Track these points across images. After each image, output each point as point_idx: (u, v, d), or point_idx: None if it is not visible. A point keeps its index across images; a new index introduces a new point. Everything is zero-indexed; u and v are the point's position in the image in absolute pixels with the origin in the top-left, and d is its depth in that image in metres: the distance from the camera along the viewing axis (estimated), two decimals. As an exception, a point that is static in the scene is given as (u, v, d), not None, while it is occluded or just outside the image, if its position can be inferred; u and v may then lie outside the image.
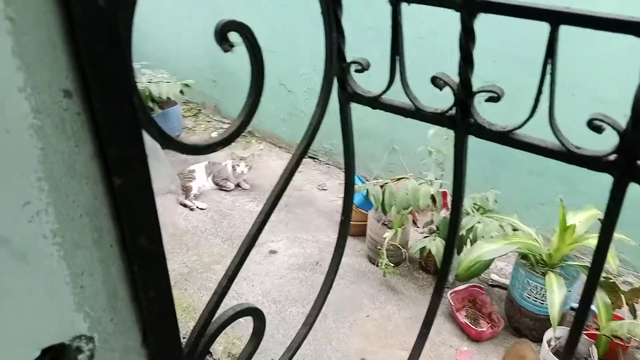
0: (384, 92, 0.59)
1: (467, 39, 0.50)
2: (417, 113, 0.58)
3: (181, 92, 3.93)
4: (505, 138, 0.54)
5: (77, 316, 0.43)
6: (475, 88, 0.54)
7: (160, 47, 4.55)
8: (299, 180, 3.73)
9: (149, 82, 3.87)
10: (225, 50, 0.47)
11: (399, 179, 2.59)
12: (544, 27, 0.46)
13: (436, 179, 2.51)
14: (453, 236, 0.66)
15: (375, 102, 0.60)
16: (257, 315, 0.64)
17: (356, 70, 0.60)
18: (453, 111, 0.56)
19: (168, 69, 4.19)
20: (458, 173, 0.60)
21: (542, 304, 2.38)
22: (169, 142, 0.45)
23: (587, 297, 0.56)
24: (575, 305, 2.62)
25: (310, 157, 4.01)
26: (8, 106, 0.34)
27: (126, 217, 0.43)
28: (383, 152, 3.42)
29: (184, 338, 0.57)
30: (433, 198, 2.52)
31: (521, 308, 2.46)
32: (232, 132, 0.50)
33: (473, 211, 2.45)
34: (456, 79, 0.55)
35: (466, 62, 0.51)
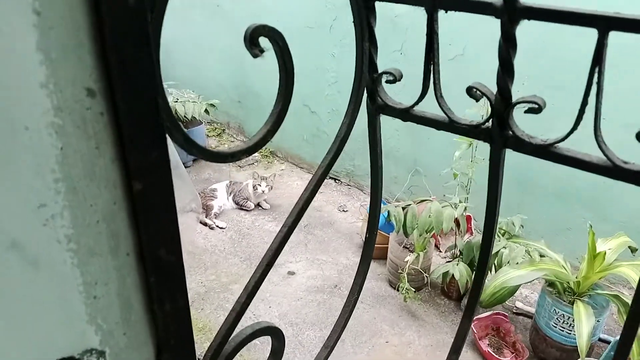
0: (417, 103, 0.56)
1: (508, 46, 0.48)
2: (451, 125, 0.55)
3: (206, 111, 3.97)
4: (546, 152, 0.51)
5: (88, 328, 0.40)
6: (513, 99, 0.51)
7: (187, 67, 4.62)
8: (319, 201, 3.70)
9: (175, 102, 3.92)
10: (255, 56, 0.46)
11: (421, 201, 2.54)
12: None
13: (460, 202, 2.45)
14: (486, 255, 0.62)
15: (406, 114, 0.58)
16: (276, 336, 0.61)
17: (387, 81, 0.57)
18: (489, 123, 0.53)
19: (194, 88, 4.25)
20: (493, 189, 0.56)
21: (570, 333, 2.28)
22: (192, 148, 0.43)
23: (631, 330, 0.52)
24: (604, 336, 2.51)
25: (331, 177, 3.99)
26: (28, 101, 0.33)
27: (145, 225, 0.41)
28: (406, 174, 3.38)
29: (199, 358, 0.54)
30: (457, 222, 2.47)
31: (547, 338, 2.37)
32: (257, 141, 0.48)
33: (498, 236, 2.39)
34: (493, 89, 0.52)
35: (505, 71, 0.49)
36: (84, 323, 0.40)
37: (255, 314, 2.61)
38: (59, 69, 0.33)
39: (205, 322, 2.56)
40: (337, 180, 3.97)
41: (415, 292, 2.66)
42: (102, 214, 0.38)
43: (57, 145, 0.34)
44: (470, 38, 2.75)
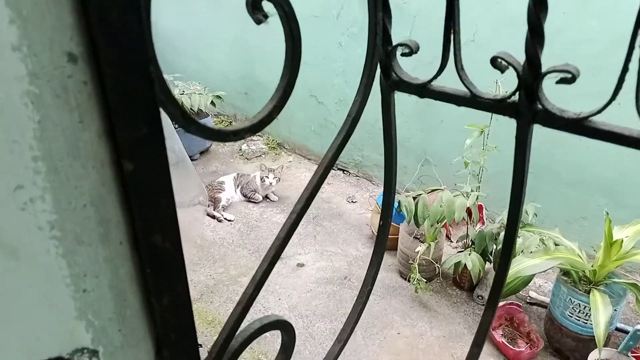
0: (436, 76, 0.51)
1: (537, 9, 0.43)
2: (473, 100, 0.50)
3: (212, 103, 3.93)
4: (580, 126, 0.46)
5: (78, 325, 0.36)
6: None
7: (192, 59, 4.58)
8: (327, 192, 3.66)
9: (181, 94, 3.88)
10: (258, 22, 0.41)
11: (432, 191, 2.49)
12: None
13: (472, 191, 2.40)
14: (511, 243, 0.57)
15: (424, 90, 0.53)
16: (286, 329, 0.57)
17: (403, 54, 0.53)
18: (516, 97, 0.48)
19: (200, 80, 4.21)
20: (519, 170, 0.52)
21: (586, 323, 2.23)
22: (190, 125, 0.38)
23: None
24: (622, 325, 2.45)
25: (339, 169, 3.94)
26: (-3, 67, 0.29)
27: (139, 210, 0.37)
28: (415, 164, 3.33)
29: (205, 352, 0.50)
30: (469, 211, 2.42)
31: (562, 327, 2.32)
32: (263, 118, 0.44)
33: (511, 225, 2.33)
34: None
35: (535, 37, 0.44)
36: (73, 319, 0.36)
37: (265, 306, 2.58)
38: (33, 29, 0.29)
39: (215, 314, 2.53)
40: (345, 172, 3.93)
41: (426, 282, 2.62)
42: (89, 197, 0.34)
43: (34, 117, 0.30)
44: (481, 24, 2.68)
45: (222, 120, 4.69)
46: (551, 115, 0.47)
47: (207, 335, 2.39)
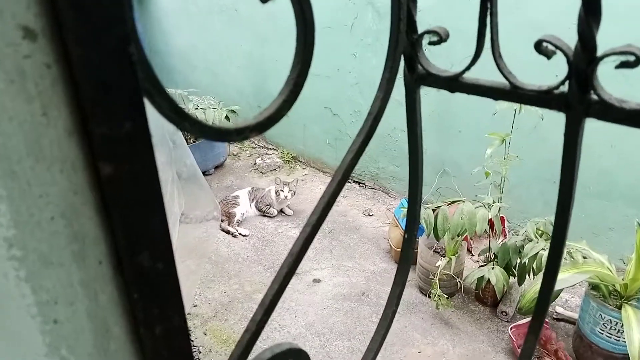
0: (469, 67, 0.45)
1: (593, -21, 0.36)
2: (513, 93, 0.43)
3: (227, 118, 3.90)
4: (645, 120, 0.39)
5: (48, 364, 0.30)
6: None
7: (206, 73, 4.58)
8: (343, 206, 3.59)
9: (196, 109, 3.86)
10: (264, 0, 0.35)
11: (452, 202, 2.41)
12: None
13: (494, 202, 2.31)
14: (559, 255, 0.50)
15: (455, 84, 0.46)
16: (301, 359, 0.50)
17: (431, 43, 0.46)
18: (565, 86, 0.41)
19: (214, 95, 4.19)
20: (568, 170, 0.45)
21: (618, 340, 2.11)
22: (183, 120, 0.32)
23: None
24: (656, 344, 2.32)
25: (355, 181, 3.87)
26: None
27: (121, 223, 0.30)
28: (433, 175, 3.25)
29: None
30: (491, 223, 2.32)
31: (592, 345, 2.20)
32: (271, 115, 0.37)
33: (536, 237, 2.23)
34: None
35: (590, 14, 0.37)
36: (42, 358, 0.30)
37: (281, 324, 2.51)
38: (-23, -3, 0.23)
39: (230, 333, 2.46)
40: (361, 184, 3.85)
41: (447, 298, 2.52)
42: (57, 207, 0.28)
43: (-19, 108, 0.24)
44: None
45: (236, 135, 4.65)
46: (608, 106, 0.40)
47: (221, 354, 2.32)
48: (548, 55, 0.42)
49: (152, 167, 0.31)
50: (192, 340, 2.41)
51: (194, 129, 0.32)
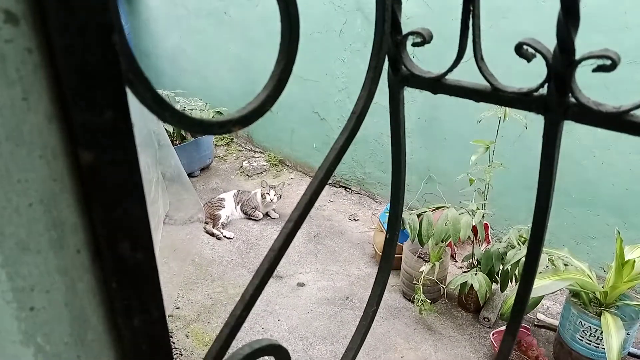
0: (451, 68, 0.45)
1: (572, -16, 0.37)
2: (494, 95, 0.44)
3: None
4: (619, 122, 0.40)
5: (24, 352, 0.30)
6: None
7: (194, 75, 4.56)
8: (329, 210, 3.59)
9: (183, 110, 3.84)
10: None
11: (437, 208, 2.42)
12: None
13: (478, 209, 2.33)
14: (535, 259, 0.51)
15: (438, 85, 0.47)
16: (281, 355, 0.50)
17: (414, 44, 0.47)
18: (544, 89, 0.42)
19: (202, 97, 4.17)
20: (546, 174, 0.45)
21: (597, 347, 2.14)
22: (164, 110, 0.32)
23: None
24: (635, 350, 2.36)
25: (341, 186, 3.88)
26: None
27: (101, 211, 0.30)
28: (419, 182, 3.27)
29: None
30: (474, 230, 2.34)
31: (573, 351, 2.22)
32: (254, 109, 0.38)
33: (519, 244, 2.26)
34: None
35: (569, 17, 0.38)
36: (17, 345, 0.29)
37: (264, 327, 2.50)
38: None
39: (212, 336, 2.44)
40: (347, 189, 3.86)
41: (431, 303, 2.53)
42: (36, 193, 0.28)
43: (-39, 90, 0.24)
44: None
45: (224, 137, 4.64)
46: (586, 109, 0.41)
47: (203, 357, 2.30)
48: (528, 58, 0.43)
49: (133, 156, 0.31)
50: (174, 343, 2.39)
51: (174, 120, 0.33)
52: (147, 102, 0.31)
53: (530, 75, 0.64)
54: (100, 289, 0.32)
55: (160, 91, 0.33)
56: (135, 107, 0.31)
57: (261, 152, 4.44)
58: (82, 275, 0.31)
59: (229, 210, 3.43)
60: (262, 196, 3.42)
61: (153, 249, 0.34)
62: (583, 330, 2.15)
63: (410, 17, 2.94)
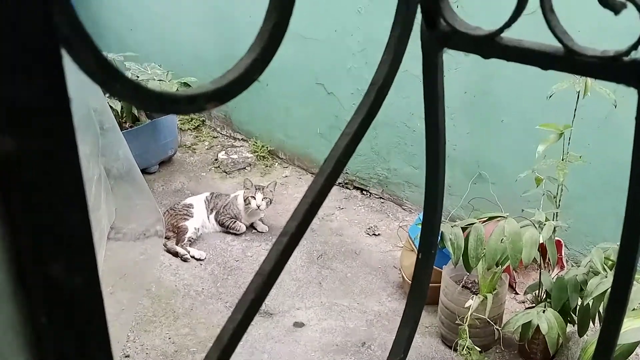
0: (509, 24, 0.46)
1: None
2: (569, 60, 0.45)
3: (177, 93, 3.92)
4: None
5: None
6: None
7: (153, 35, 4.59)
8: (339, 221, 3.61)
9: (136, 80, 3.87)
10: None
11: (489, 219, 2.43)
12: None
13: (547, 219, 2.34)
14: (625, 289, 0.51)
15: (490, 46, 0.48)
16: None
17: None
18: (639, 52, 0.43)
19: (161, 62, 4.19)
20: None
21: None
22: (113, 81, 0.33)
23: None
24: None
25: (356, 187, 3.90)
26: None
27: (26, 220, 0.31)
28: (465, 181, 3.28)
29: None
30: (542, 249, 2.35)
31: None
32: (235, 78, 0.39)
33: (605, 269, 2.26)
34: None
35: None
36: None
37: (247, 384, 2.52)
38: None
39: (175, 395, 2.47)
40: (364, 192, 3.88)
41: (481, 352, 2.55)
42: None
43: None
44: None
45: (192, 119, 4.68)
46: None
47: None
48: (616, 8, 0.43)
49: (72, 145, 0.32)
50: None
51: (127, 93, 0.33)
52: (90, 69, 0.32)
53: (618, 35, 0.64)
54: (26, 325, 0.33)
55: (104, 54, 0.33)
56: (71, 77, 0.32)
57: (244, 140, 4.47)
58: (0, 306, 0.32)
59: (199, 220, 3.45)
60: (245, 201, 3.44)
61: (97, 271, 0.34)
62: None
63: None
